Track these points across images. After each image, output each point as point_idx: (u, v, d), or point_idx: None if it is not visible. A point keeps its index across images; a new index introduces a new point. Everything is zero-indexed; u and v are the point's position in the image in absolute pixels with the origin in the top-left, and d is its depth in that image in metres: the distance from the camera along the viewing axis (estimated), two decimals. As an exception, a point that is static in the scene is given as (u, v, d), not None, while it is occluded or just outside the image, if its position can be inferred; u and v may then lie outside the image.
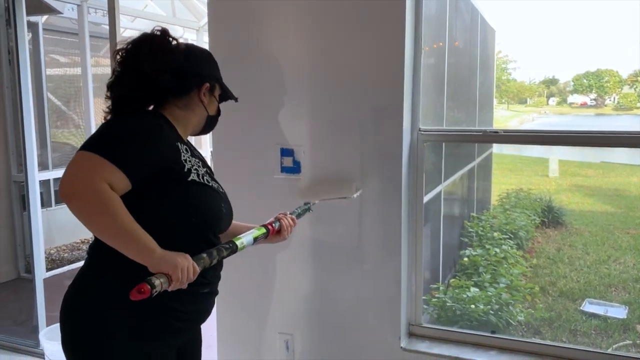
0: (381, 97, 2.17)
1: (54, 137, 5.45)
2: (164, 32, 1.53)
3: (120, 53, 1.51)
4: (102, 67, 5.66)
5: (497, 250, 4.63)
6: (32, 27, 4.75)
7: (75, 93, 5.61)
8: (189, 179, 1.45)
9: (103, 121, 1.52)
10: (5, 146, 4.36)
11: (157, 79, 1.47)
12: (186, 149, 1.51)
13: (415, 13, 2.19)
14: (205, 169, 1.55)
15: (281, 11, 2.27)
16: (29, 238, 4.40)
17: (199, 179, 1.48)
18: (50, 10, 4.42)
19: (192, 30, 6.08)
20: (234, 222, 1.69)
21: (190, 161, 1.49)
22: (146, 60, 1.46)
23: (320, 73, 2.24)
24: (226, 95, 1.66)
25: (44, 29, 4.96)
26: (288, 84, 2.29)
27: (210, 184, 1.53)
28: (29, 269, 4.52)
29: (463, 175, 5.29)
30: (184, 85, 1.53)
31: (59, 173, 4.90)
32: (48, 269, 4.49)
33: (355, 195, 2.14)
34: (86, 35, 4.67)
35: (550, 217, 6.82)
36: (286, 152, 2.29)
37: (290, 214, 1.82)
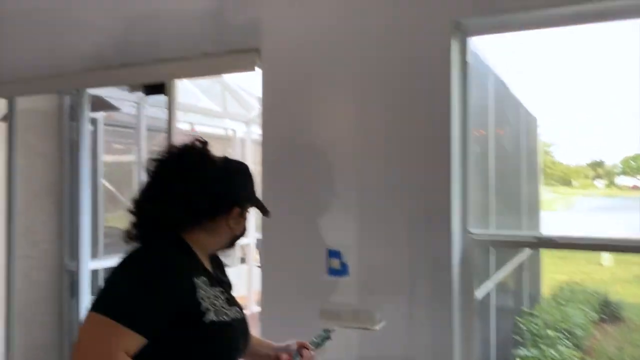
0: (429, 198, 2.16)
1: (105, 220, 5.61)
2: (203, 147, 1.49)
3: (154, 163, 1.47)
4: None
5: (553, 351, 4.36)
6: (93, 121, 5.05)
7: (126, 178, 5.86)
8: (206, 320, 1.37)
9: (126, 235, 1.47)
10: (60, 234, 4.52)
11: (189, 200, 1.41)
12: (204, 281, 1.42)
13: (462, 108, 2.20)
14: (225, 296, 1.47)
15: (330, 105, 2.33)
16: (76, 327, 4.45)
17: (217, 317, 1.39)
18: (111, 107, 4.73)
19: (241, 122, 6.34)
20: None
21: (207, 298, 1.39)
22: (181, 178, 1.42)
23: (369, 172, 2.27)
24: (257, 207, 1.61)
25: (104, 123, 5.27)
26: (336, 182, 2.32)
27: (229, 319, 1.43)
28: (72, 357, 4.54)
29: (513, 267, 5.11)
30: (214, 208, 1.47)
31: (108, 262, 4.99)
32: None
33: (377, 328, 2.07)
34: (142, 129, 4.96)
35: (608, 312, 6.43)
36: (333, 254, 2.28)
37: (310, 343, 1.73)
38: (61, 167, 4.54)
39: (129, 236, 1.45)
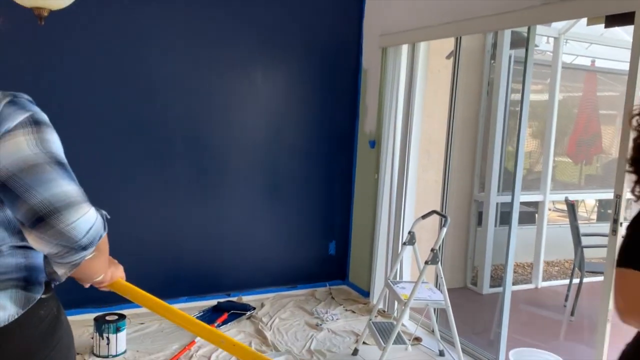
0: None
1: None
2: None
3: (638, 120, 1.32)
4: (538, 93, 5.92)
5: None
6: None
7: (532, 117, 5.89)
8: None
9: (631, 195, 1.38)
10: (472, 169, 4.84)
11: None
12: None
13: None
14: None
15: None
16: (480, 252, 4.79)
17: None
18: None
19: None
20: None
21: None
22: None
23: None
24: None
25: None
26: None
27: None
28: (475, 281, 4.92)
29: None
30: None
31: (505, 198, 5.14)
32: (491, 286, 4.77)
33: None
34: (558, 66, 4.79)
35: None
36: None
37: None
38: (478, 104, 4.80)
39: (634, 194, 1.35)
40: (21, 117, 1.05)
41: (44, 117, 1.11)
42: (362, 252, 4.27)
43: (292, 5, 3.98)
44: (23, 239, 1.14)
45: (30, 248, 1.16)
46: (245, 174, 4.02)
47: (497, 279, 5.10)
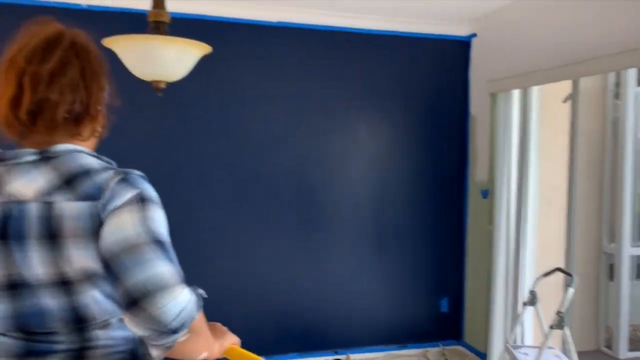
0: None
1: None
2: None
3: None
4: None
5: None
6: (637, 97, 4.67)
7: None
8: None
9: None
10: (599, 217, 4.40)
11: None
12: None
13: None
14: None
15: None
16: (614, 310, 4.28)
17: None
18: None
19: None
20: None
21: None
22: None
23: None
24: None
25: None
26: None
27: None
28: (609, 343, 4.38)
29: None
30: None
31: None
32: (630, 349, 4.22)
33: None
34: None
35: None
36: None
37: None
38: (603, 146, 4.40)
39: None
40: (130, 194, 1.06)
41: (153, 194, 1.11)
42: (478, 310, 3.99)
43: (394, 54, 3.97)
44: None
45: None
46: (351, 227, 3.97)
47: (637, 342, 4.51)
